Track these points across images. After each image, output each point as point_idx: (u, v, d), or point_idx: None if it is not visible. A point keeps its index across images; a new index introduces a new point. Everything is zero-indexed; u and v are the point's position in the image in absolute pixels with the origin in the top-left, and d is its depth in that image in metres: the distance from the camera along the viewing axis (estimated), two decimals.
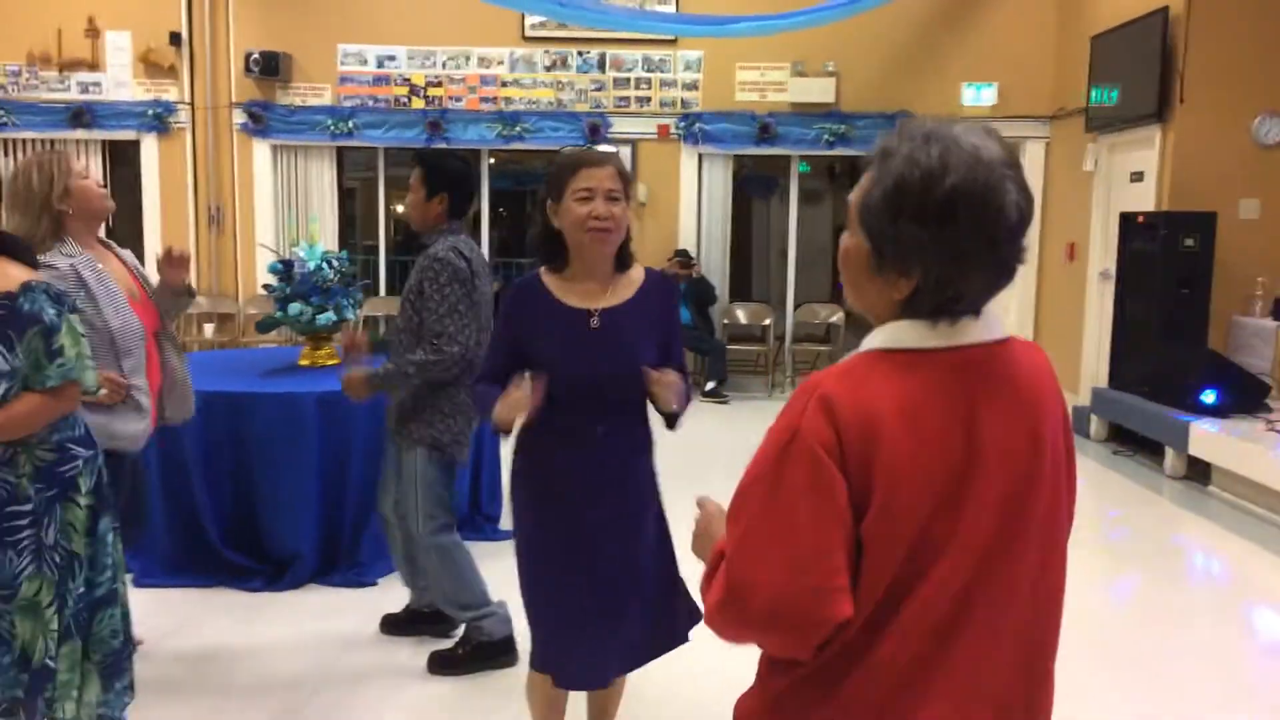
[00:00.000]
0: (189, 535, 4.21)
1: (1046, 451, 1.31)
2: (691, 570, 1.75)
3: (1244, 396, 6.17)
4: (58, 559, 2.28)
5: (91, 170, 3.47)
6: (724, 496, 1.42)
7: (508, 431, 2.33)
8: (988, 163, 1.23)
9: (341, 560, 4.31)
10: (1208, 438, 5.89)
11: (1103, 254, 8.03)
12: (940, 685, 1.25)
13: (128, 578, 3.84)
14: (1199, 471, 6.10)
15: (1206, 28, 6.93)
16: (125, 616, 2.50)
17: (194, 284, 3.97)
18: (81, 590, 2.34)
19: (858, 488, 1.23)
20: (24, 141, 9.22)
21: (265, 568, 4.23)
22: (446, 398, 3.36)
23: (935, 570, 1.24)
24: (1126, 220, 7.21)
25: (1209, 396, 6.12)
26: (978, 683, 1.27)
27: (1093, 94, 7.95)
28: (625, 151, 9.26)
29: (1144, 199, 7.43)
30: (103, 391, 3.15)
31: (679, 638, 2.55)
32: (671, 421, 2.45)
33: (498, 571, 3.43)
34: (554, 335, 2.38)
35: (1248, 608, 4.39)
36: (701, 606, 1.34)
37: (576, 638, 2.43)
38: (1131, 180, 7.75)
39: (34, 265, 2.35)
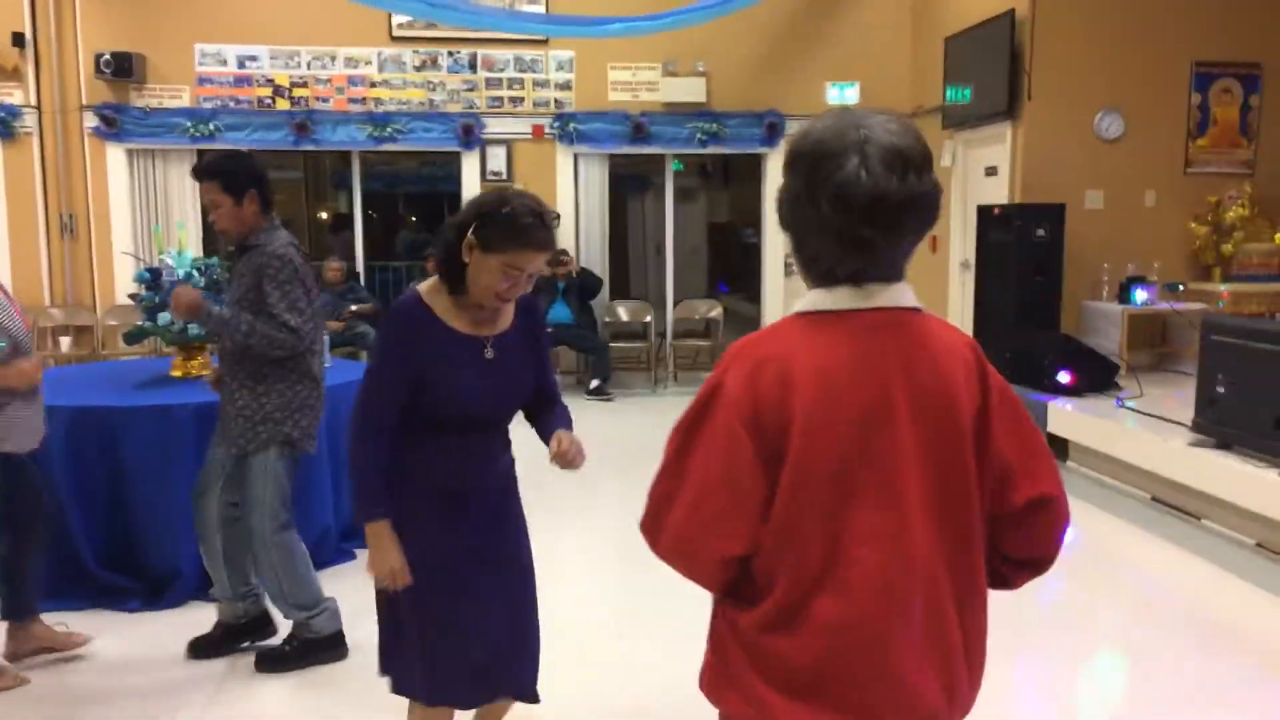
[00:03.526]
0: (60, 557, 3.98)
1: (963, 407, 1.43)
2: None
3: (1096, 376, 6.55)
4: None
5: None
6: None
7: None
8: (851, 135, 1.33)
9: None
10: (1064, 416, 6.23)
11: (962, 245, 8.40)
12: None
13: None
14: (1057, 449, 6.42)
15: (1050, 29, 7.34)
16: None
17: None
18: None
19: (774, 437, 1.35)
20: None
21: (142, 587, 4.07)
22: (294, 395, 3.38)
23: (857, 514, 1.36)
24: (983, 213, 7.56)
25: (1064, 377, 6.48)
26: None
27: (947, 93, 8.31)
28: (500, 152, 9.23)
29: (998, 192, 7.81)
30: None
31: (528, 688, 2.48)
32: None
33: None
34: (451, 365, 2.27)
35: (1111, 572, 4.68)
36: None
37: (468, 659, 2.36)
38: (986, 175, 8.13)
39: None
